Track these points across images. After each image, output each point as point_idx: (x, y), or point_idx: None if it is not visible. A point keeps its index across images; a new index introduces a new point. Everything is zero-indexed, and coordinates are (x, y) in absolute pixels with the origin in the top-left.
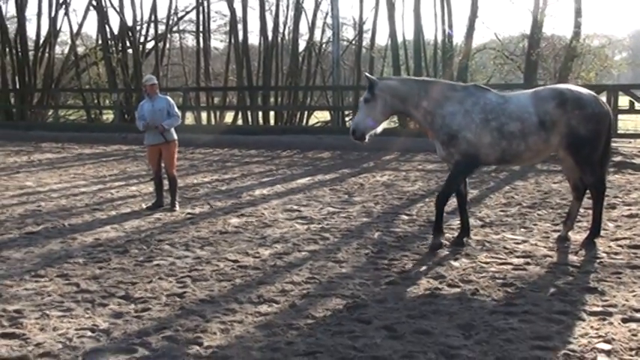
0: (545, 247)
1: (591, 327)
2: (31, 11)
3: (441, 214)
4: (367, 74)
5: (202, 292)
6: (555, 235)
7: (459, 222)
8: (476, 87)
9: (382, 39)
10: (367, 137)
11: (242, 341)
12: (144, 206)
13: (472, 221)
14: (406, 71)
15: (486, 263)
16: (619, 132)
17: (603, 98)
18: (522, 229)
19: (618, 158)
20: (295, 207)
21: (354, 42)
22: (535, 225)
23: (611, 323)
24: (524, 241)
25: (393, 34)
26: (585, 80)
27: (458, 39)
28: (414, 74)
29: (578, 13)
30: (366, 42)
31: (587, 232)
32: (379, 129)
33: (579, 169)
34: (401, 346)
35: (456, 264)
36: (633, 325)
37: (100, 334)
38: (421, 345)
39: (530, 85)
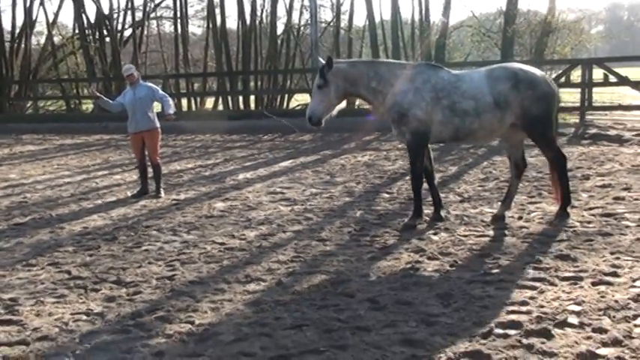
0: (520, 218)
1: (563, 291)
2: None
3: (420, 196)
4: (320, 59)
5: (191, 274)
6: (532, 207)
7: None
8: (427, 65)
9: (360, 20)
10: (323, 122)
11: (232, 318)
12: (129, 194)
13: (451, 197)
14: (384, 52)
15: (465, 236)
16: (594, 105)
17: (578, 72)
18: (499, 203)
19: (593, 131)
20: (279, 189)
21: (332, 24)
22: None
23: (581, 287)
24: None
25: (370, 15)
26: (561, 55)
27: (435, 17)
28: (392, 54)
29: None
30: (344, 23)
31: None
32: (334, 112)
33: (538, 147)
34: (383, 316)
35: (435, 238)
36: (602, 288)
37: (95, 317)
38: (402, 314)
39: (506, 61)
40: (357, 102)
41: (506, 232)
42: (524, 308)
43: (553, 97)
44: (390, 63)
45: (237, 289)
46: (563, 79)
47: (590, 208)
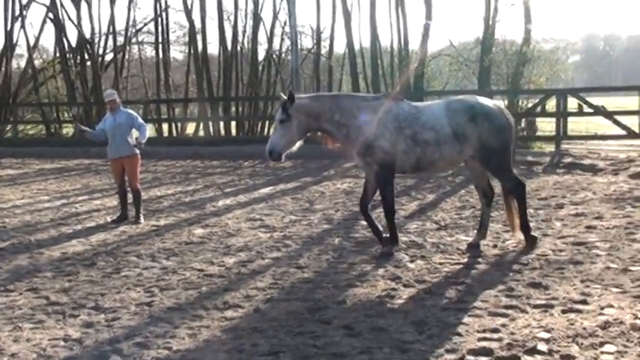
0: (495, 246)
1: (534, 318)
2: None
3: (393, 224)
4: (282, 94)
5: (170, 300)
6: (506, 235)
7: (415, 226)
8: (387, 96)
9: (340, 47)
10: (284, 157)
11: (209, 344)
12: (109, 219)
13: (428, 224)
14: (364, 80)
15: (440, 264)
16: (569, 134)
17: (553, 102)
18: (475, 231)
19: (568, 160)
20: (258, 216)
21: (312, 51)
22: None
23: (551, 314)
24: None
25: (350, 44)
26: (536, 85)
27: (414, 46)
28: (372, 82)
29: (527, 19)
30: (324, 50)
31: (536, 231)
32: (295, 147)
33: (495, 177)
34: (359, 343)
35: (411, 265)
36: (572, 316)
37: (73, 343)
38: (377, 341)
39: (483, 91)
40: None
41: (481, 260)
42: (495, 335)
43: (510, 129)
44: (352, 96)
45: (215, 316)
46: (538, 109)
47: (563, 237)
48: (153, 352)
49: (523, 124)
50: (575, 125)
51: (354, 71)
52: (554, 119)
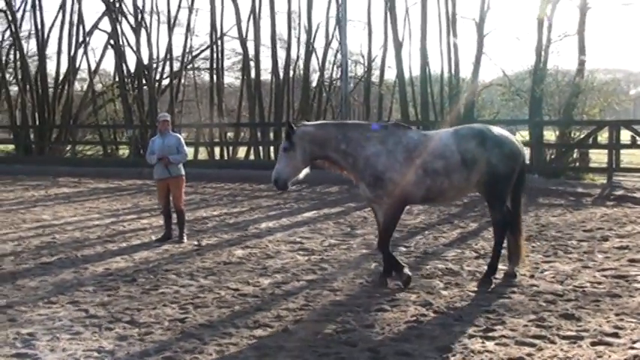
0: (532, 277)
1: (561, 349)
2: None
3: (391, 256)
4: (289, 122)
5: (203, 317)
6: (545, 266)
7: (453, 254)
8: (396, 125)
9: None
10: (289, 185)
11: None
12: (153, 238)
13: (467, 253)
14: (414, 107)
15: (474, 292)
16: (622, 166)
17: (605, 134)
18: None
19: (620, 192)
20: (298, 239)
21: (363, 78)
22: (527, 256)
23: (580, 346)
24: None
25: (400, 72)
26: (589, 116)
27: (465, 74)
28: (421, 111)
29: (581, 51)
30: (375, 78)
31: (577, 262)
32: (301, 175)
33: (489, 205)
34: None
35: (444, 292)
36: (600, 348)
37: (105, 354)
38: None
39: (533, 121)
40: None
41: (516, 289)
42: None
43: (519, 157)
44: (360, 125)
45: (244, 334)
46: (590, 140)
47: (604, 269)
48: None
49: (575, 155)
50: (632, 157)
51: (403, 99)
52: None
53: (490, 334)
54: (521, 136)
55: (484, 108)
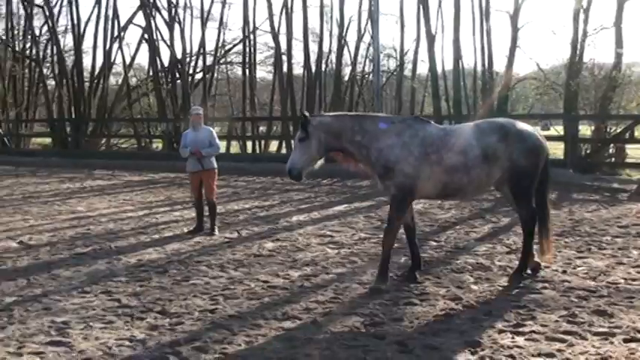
0: (564, 272)
1: (592, 345)
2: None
3: (388, 256)
4: (305, 112)
5: (232, 308)
6: (578, 261)
7: (484, 249)
8: (415, 119)
9: (424, 68)
10: (304, 176)
11: (263, 352)
12: (185, 230)
13: (499, 247)
14: (446, 101)
15: (505, 287)
16: None
17: None
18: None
19: None
20: (329, 232)
21: (395, 72)
22: (559, 252)
23: (612, 343)
24: (546, 267)
25: (432, 65)
26: (626, 110)
27: (498, 68)
28: (454, 105)
29: (618, 44)
30: (407, 71)
31: (611, 258)
32: (316, 166)
33: (516, 202)
34: (409, 359)
35: (474, 287)
36: (633, 345)
37: (137, 343)
38: (428, 358)
39: (568, 115)
40: None
41: (547, 285)
42: None
43: (543, 152)
44: (376, 117)
45: (273, 325)
46: (627, 135)
47: (638, 266)
48: (209, 356)
49: (611, 150)
50: None
51: (436, 93)
52: None
53: (520, 330)
54: (556, 130)
55: (518, 102)
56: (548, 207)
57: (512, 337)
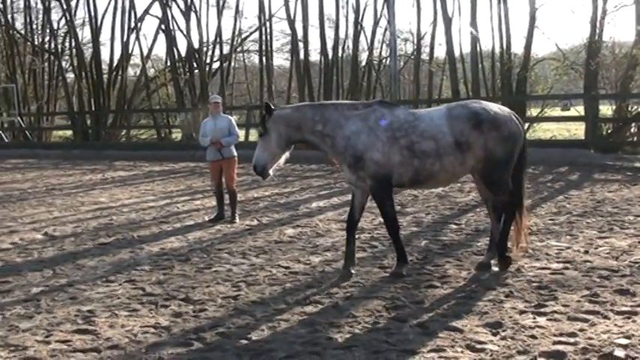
0: (586, 252)
1: (615, 325)
2: (105, 36)
3: (399, 240)
4: (267, 103)
5: (255, 294)
6: (600, 242)
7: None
8: (381, 103)
9: (441, 52)
10: (271, 172)
11: (286, 337)
12: (206, 219)
13: None
14: (464, 84)
15: (525, 268)
16: None
17: None
18: (568, 237)
19: None
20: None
21: (412, 56)
22: (581, 232)
23: (634, 321)
24: (567, 248)
25: (450, 48)
26: None
27: (516, 49)
28: (473, 87)
29: (639, 21)
30: (425, 55)
31: (633, 238)
32: (282, 161)
33: (491, 190)
34: (431, 340)
35: (495, 269)
36: None
37: (162, 330)
38: (450, 340)
39: (588, 95)
40: None
41: (569, 265)
42: (571, 339)
43: (519, 137)
44: (339, 104)
45: (295, 310)
46: None
47: None
48: (233, 341)
49: (632, 130)
50: None
51: (454, 76)
52: None
53: (542, 310)
54: (577, 111)
55: (537, 83)
56: (523, 196)
57: (534, 318)
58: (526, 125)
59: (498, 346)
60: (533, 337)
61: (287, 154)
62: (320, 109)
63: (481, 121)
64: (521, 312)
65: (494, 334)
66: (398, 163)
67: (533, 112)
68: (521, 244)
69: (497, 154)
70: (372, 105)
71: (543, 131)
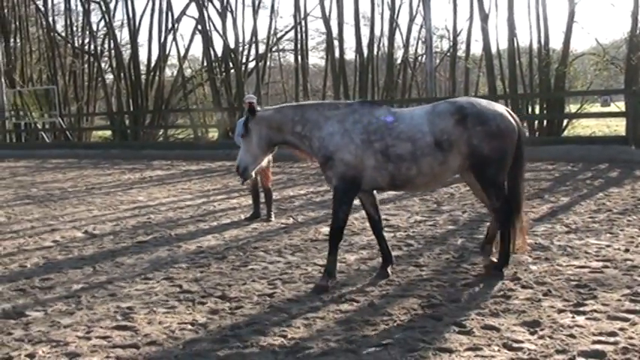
0: (627, 251)
1: None
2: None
3: (335, 251)
4: (252, 103)
5: (290, 292)
6: None
7: (543, 229)
8: (362, 103)
9: (478, 48)
10: (253, 173)
11: (322, 334)
12: (242, 217)
13: (558, 227)
14: (501, 81)
15: (564, 267)
16: None
17: None
18: (608, 235)
19: None
20: (384, 216)
21: (448, 53)
22: (622, 230)
23: None
24: (607, 246)
25: (486, 46)
26: None
27: (555, 45)
28: (510, 84)
29: None
30: (461, 52)
31: None
32: (264, 162)
33: (484, 192)
34: (467, 339)
35: (533, 267)
36: None
37: (199, 327)
38: (486, 339)
39: (629, 90)
40: None
41: (609, 264)
42: (611, 339)
43: (510, 135)
44: (320, 104)
45: (331, 308)
46: None
47: None
48: (269, 338)
49: None
50: None
51: (490, 73)
52: None
53: (581, 309)
54: (617, 107)
55: (576, 79)
56: (521, 196)
57: (573, 317)
58: (565, 122)
59: (536, 345)
60: (572, 336)
61: (270, 157)
62: (300, 109)
63: (465, 116)
64: (560, 311)
65: (532, 333)
66: (372, 168)
67: (572, 108)
68: (521, 246)
69: (484, 151)
70: (352, 105)
71: (582, 128)
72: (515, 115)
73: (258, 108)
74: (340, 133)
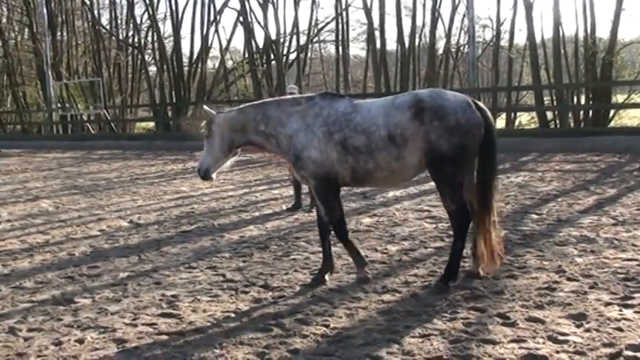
0: None
1: None
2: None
3: (349, 243)
4: (206, 108)
5: (332, 282)
6: None
7: (589, 221)
8: (323, 96)
9: (522, 37)
10: (214, 176)
11: (364, 324)
12: (284, 208)
13: (604, 219)
14: (546, 70)
15: (611, 259)
16: None
17: None
18: None
19: None
20: (426, 207)
21: (491, 43)
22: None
23: None
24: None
25: (530, 35)
26: None
27: (601, 34)
28: (554, 74)
29: None
30: (504, 41)
31: None
32: (228, 164)
33: (438, 191)
34: (511, 331)
35: (579, 260)
36: None
37: (242, 315)
38: (531, 331)
39: None
40: (517, 122)
41: None
42: None
43: (472, 130)
44: (282, 100)
45: (373, 299)
46: None
47: None
48: (312, 327)
49: None
50: None
51: (535, 62)
52: None
53: (628, 302)
54: None
55: (624, 68)
56: (491, 200)
57: (620, 310)
58: (611, 112)
59: (582, 338)
60: (620, 329)
61: (235, 158)
62: (262, 107)
63: (422, 110)
64: (607, 304)
65: (578, 326)
66: (336, 161)
67: (619, 98)
68: (490, 264)
69: (442, 148)
70: (313, 99)
71: (630, 118)
72: (484, 108)
73: (226, 108)
74: (303, 130)
